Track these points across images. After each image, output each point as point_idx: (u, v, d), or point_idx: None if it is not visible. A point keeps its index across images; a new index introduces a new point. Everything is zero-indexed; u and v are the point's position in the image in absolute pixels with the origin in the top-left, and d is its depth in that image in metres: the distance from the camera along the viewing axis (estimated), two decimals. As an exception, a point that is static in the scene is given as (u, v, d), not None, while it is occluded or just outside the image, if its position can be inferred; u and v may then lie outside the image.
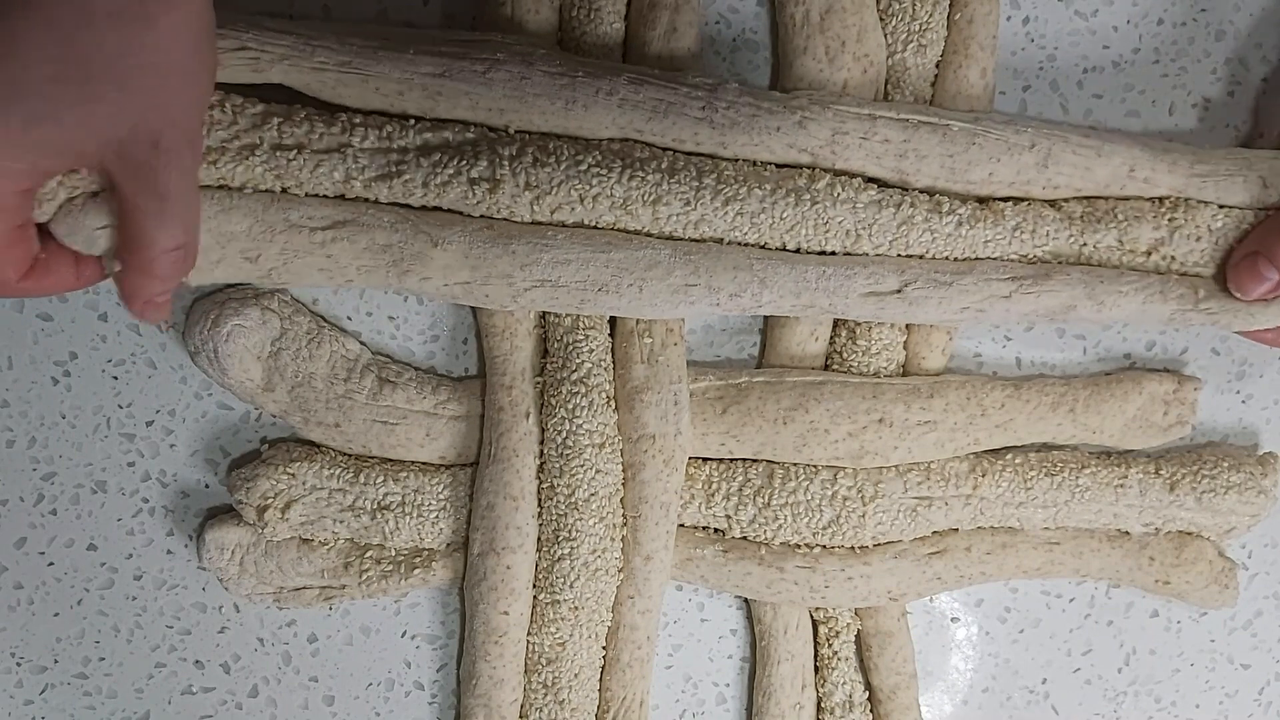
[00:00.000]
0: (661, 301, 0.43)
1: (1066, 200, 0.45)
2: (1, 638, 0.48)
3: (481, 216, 0.42)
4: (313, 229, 0.41)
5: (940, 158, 0.43)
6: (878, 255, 0.43)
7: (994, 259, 0.44)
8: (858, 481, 0.46)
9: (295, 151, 0.40)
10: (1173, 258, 0.44)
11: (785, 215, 0.42)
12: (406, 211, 0.42)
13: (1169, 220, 0.44)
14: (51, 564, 0.47)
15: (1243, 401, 0.50)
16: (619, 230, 0.42)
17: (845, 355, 0.46)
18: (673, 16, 0.44)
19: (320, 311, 0.46)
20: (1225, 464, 0.48)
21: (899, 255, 0.44)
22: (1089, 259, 0.44)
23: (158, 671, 0.48)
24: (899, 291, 0.43)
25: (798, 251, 0.43)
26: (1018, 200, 0.44)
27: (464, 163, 0.41)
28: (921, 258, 0.44)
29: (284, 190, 0.41)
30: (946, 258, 0.44)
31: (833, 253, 0.43)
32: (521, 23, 0.43)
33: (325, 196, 0.42)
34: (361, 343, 0.46)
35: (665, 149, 0.42)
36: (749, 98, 0.42)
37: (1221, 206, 0.44)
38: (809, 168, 0.43)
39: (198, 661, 0.48)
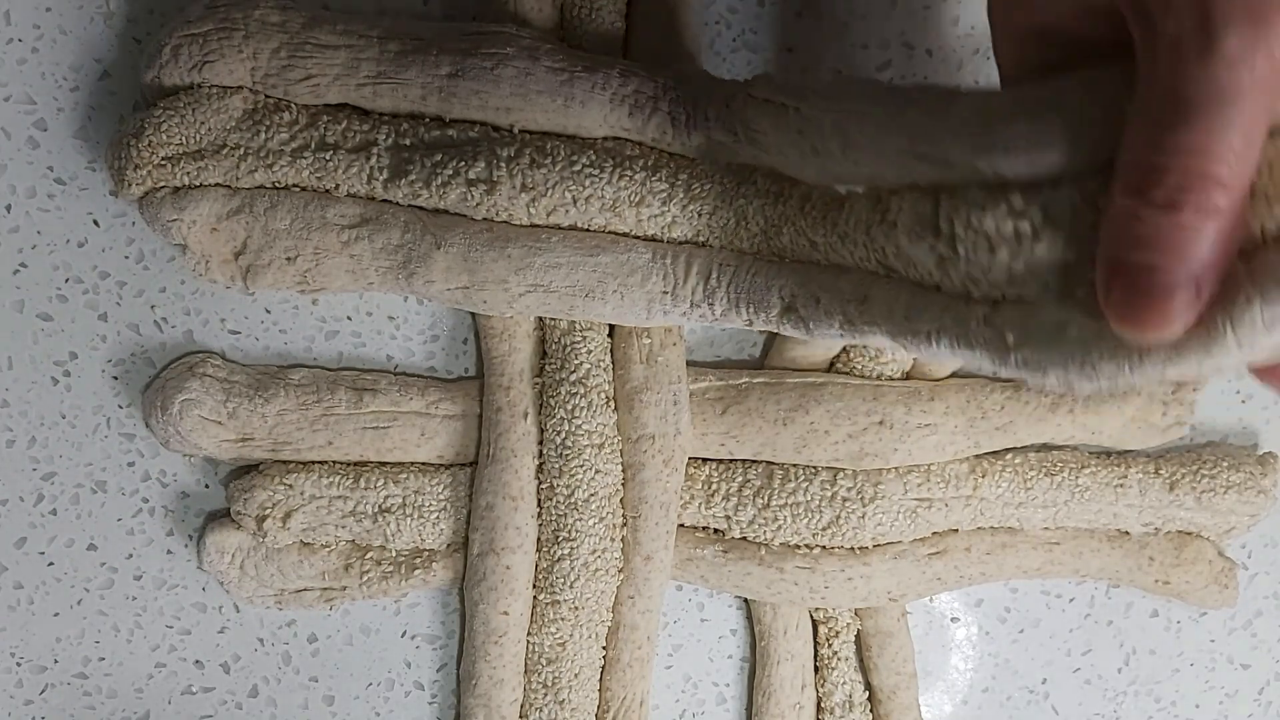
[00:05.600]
0: (640, 309, 0.42)
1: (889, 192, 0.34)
2: (1, 638, 0.48)
3: (484, 219, 0.42)
4: (341, 228, 0.42)
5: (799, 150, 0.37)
6: (783, 263, 0.40)
7: (847, 268, 0.37)
8: (857, 483, 0.45)
9: (333, 151, 0.42)
10: (972, 278, 0.30)
11: (727, 216, 0.41)
12: (420, 213, 0.42)
13: (948, 224, 0.30)
14: (51, 564, 0.47)
15: (1242, 402, 0.50)
16: (610, 233, 0.42)
17: (851, 357, 0.46)
18: (673, 17, 0.44)
19: (321, 312, 0.46)
20: (1225, 464, 0.48)
21: (792, 260, 0.40)
22: (903, 274, 0.34)
23: (158, 671, 0.48)
24: (794, 308, 0.39)
25: (747, 254, 0.41)
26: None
27: (463, 163, 0.41)
28: (809, 263, 0.39)
29: (324, 190, 0.42)
30: (815, 261, 0.39)
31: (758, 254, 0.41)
32: (525, 20, 0.43)
33: (356, 196, 0.42)
34: (310, 366, 0.46)
35: (652, 147, 0.42)
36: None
37: (1023, 189, 0.28)
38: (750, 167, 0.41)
39: (198, 661, 0.48)
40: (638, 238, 0.42)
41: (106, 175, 0.45)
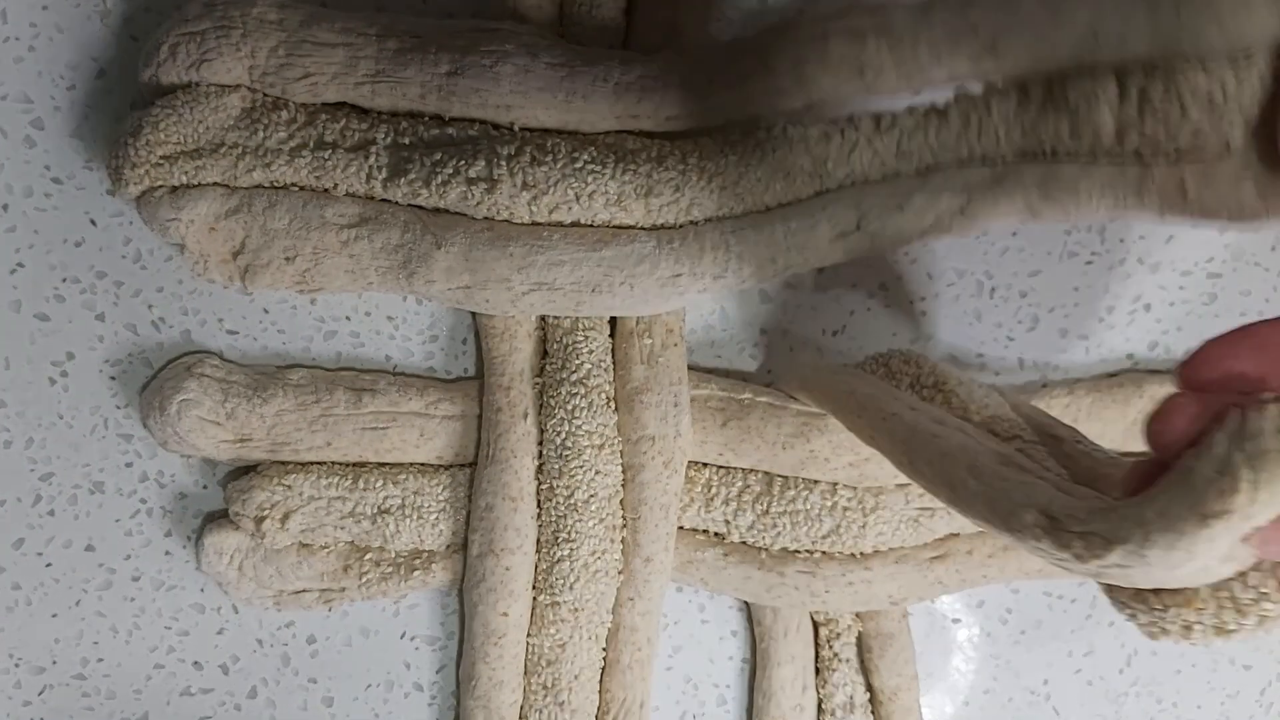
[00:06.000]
0: (653, 297, 0.42)
1: (1023, 84, 0.38)
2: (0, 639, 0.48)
3: (484, 218, 0.42)
4: (340, 227, 0.42)
5: (894, 64, 0.39)
6: (836, 193, 0.41)
7: (945, 169, 0.40)
8: (858, 494, 0.45)
9: (331, 150, 0.41)
10: (1151, 141, 0.35)
11: (760, 175, 0.41)
12: (420, 212, 0.42)
13: (1138, 93, 0.35)
14: (49, 565, 0.47)
15: (1246, 402, 0.50)
16: (614, 227, 0.42)
17: None
18: (674, 16, 0.44)
19: (320, 312, 0.46)
20: (1227, 463, 0.47)
21: (856, 185, 0.41)
22: (1051, 152, 0.38)
23: (156, 672, 0.48)
24: (858, 228, 0.41)
25: (769, 210, 0.42)
26: (965, 98, 0.39)
27: (463, 162, 0.41)
28: (881, 181, 0.41)
29: (323, 190, 0.42)
30: (900, 174, 0.40)
31: (800, 200, 0.42)
32: (525, 17, 0.43)
33: (355, 196, 0.42)
34: (309, 366, 0.46)
35: (654, 135, 0.42)
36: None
37: (1231, 61, 0.33)
38: (764, 125, 0.42)
39: (196, 663, 0.48)
40: (644, 228, 0.42)
41: (104, 174, 0.44)
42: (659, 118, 0.41)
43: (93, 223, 0.45)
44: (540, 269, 0.41)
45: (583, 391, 0.44)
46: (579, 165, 0.41)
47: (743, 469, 0.46)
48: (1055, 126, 0.37)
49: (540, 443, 0.45)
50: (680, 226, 0.42)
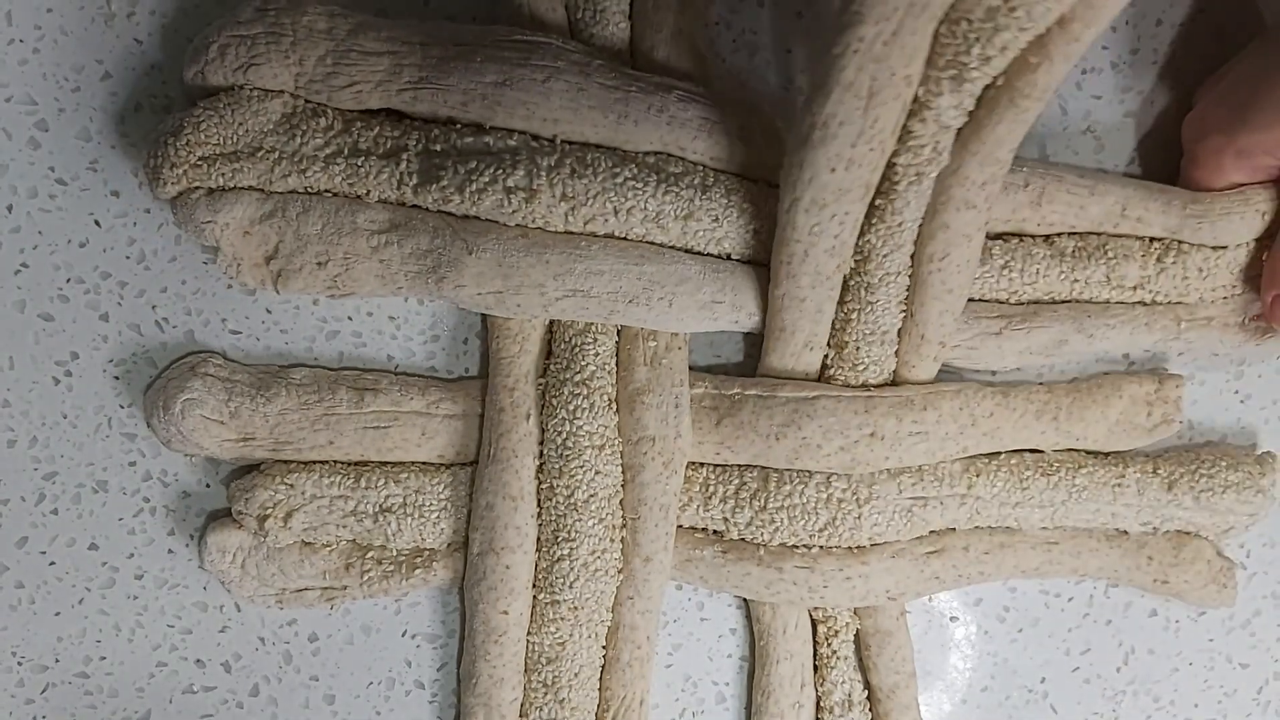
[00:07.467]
0: (689, 317, 0.43)
1: (1059, 236, 0.46)
2: (3, 637, 0.48)
3: (516, 225, 0.42)
4: (370, 233, 0.42)
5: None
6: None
7: (983, 300, 0.46)
8: (852, 484, 0.45)
9: (364, 157, 0.42)
10: (1157, 292, 0.46)
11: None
12: (449, 218, 0.42)
13: (1156, 261, 0.46)
14: (53, 563, 0.47)
15: (1241, 401, 0.50)
16: (648, 243, 0.43)
17: (839, 365, 0.45)
18: (677, 19, 0.44)
19: (322, 312, 0.46)
20: (1223, 463, 0.48)
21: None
22: (1079, 295, 0.46)
23: (159, 670, 0.48)
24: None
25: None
26: (1008, 238, 0.45)
27: (500, 171, 0.41)
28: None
29: (355, 196, 0.42)
30: None
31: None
32: (540, 20, 0.43)
33: (386, 202, 0.43)
34: (311, 366, 0.46)
35: (698, 164, 0.43)
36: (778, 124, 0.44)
37: (1214, 248, 0.46)
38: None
39: (199, 660, 0.48)
40: (679, 249, 0.43)
41: (107, 175, 0.45)
42: (705, 157, 0.43)
43: (97, 224, 0.45)
44: (578, 277, 0.42)
45: (585, 392, 0.44)
46: (620, 181, 0.41)
47: (739, 465, 0.46)
48: (1093, 271, 0.45)
49: (541, 442, 0.45)
50: (719, 257, 0.44)
